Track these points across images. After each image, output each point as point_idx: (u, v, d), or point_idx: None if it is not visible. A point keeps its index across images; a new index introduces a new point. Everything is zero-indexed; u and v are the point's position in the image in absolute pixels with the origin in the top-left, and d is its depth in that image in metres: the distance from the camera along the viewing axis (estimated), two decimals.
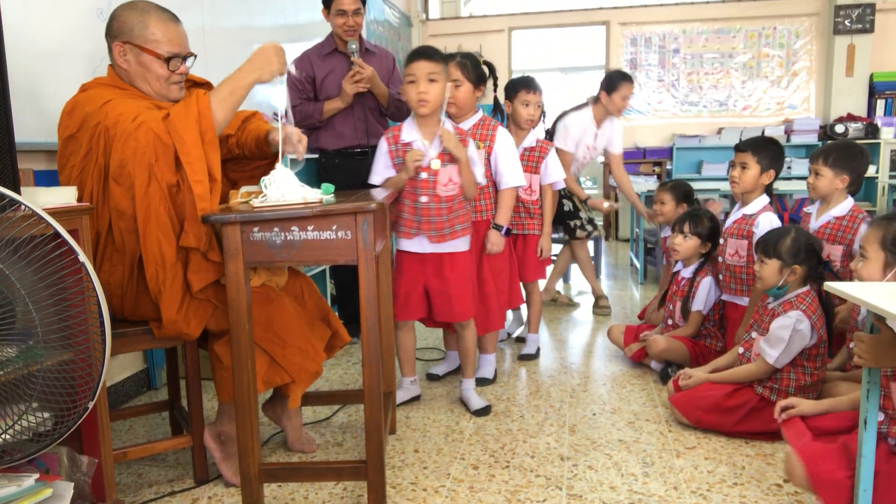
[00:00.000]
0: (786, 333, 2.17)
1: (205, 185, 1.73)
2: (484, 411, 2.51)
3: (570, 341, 3.49)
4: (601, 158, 4.53)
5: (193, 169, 1.71)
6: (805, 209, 2.86)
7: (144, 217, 1.73)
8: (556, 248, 5.22)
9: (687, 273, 2.98)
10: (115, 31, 1.88)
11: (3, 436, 1.36)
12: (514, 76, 3.26)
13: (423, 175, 2.34)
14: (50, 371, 1.37)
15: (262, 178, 1.81)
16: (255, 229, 1.68)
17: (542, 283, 3.53)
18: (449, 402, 2.65)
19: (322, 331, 2.15)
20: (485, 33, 6.92)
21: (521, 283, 3.12)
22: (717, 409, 2.27)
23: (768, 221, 2.61)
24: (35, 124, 2.11)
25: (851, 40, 6.26)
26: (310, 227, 1.68)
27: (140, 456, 1.93)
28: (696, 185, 4.28)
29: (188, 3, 2.98)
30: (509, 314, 3.46)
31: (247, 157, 2.11)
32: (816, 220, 2.70)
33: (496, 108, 3.08)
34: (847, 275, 2.57)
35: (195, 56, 1.98)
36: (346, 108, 3.23)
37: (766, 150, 2.67)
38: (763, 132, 6.31)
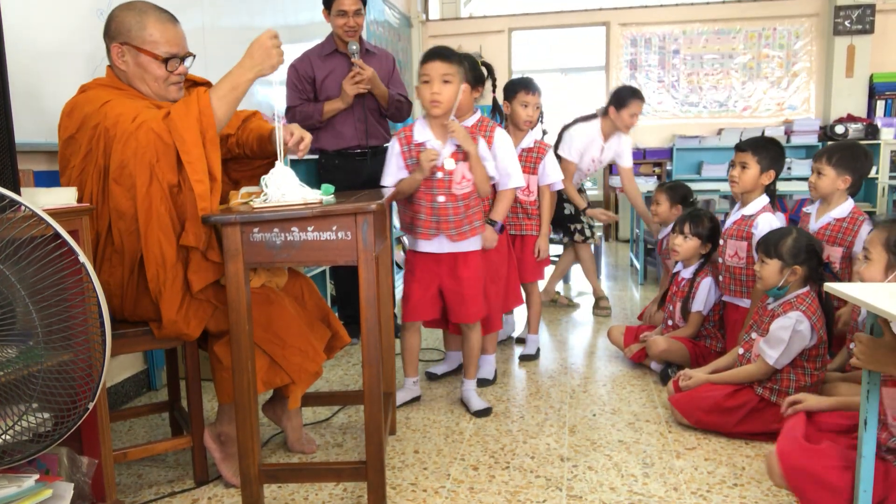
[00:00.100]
0: (786, 334, 2.17)
1: (205, 185, 1.72)
2: (484, 412, 2.51)
3: (570, 342, 3.49)
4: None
5: (194, 168, 1.71)
6: (804, 209, 2.85)
7: (146, 217, 1.73)
8: (555, 249, 5.24)
9: (687, 274, 2.98)
10: (112, 31, 1.88)
11: (3, 436, 1.36)
12: (514, 77, 3.26)
13: (439, 175, 2.35)
14: (50, 371, 1.37)
15: (263, 176, 1.80)
16: (255, 230, 1.68)
17: (541, 284, 3.53)
18: (449, 402, 2.65)
19: (322, 331, 2.15)
20: (485, 34, 6.93)
21: (520, 284, 3.13)
22: (717, 410, 2.27)
23: (767, 222, 2.61)
24: (35, 125, 2.11)
25: (851, 41, 6.26)
26: (310, 228, 1.68)
27: (140, 456, 1.93)
28: (695, 186, 4.28)
29: (188, 3, 2.98)
30: (510, 318, 3.46)
31: (248, 156, 2.11)
32: (816, 221, 2.70)
33: (495, 109, 3.08)
34: (846, 276, 2.57)
35: (194, 56, 1.98)
36: (346, 108, 3.23)
37: (767, 151, 2.67)
38: (763, 133, 6.31)
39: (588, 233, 3.96)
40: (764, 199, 2.70)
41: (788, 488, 1.70)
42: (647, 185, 5.60)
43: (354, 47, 3.13)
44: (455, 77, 2.28)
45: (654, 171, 6.67)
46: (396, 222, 4.64)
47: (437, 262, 2.44)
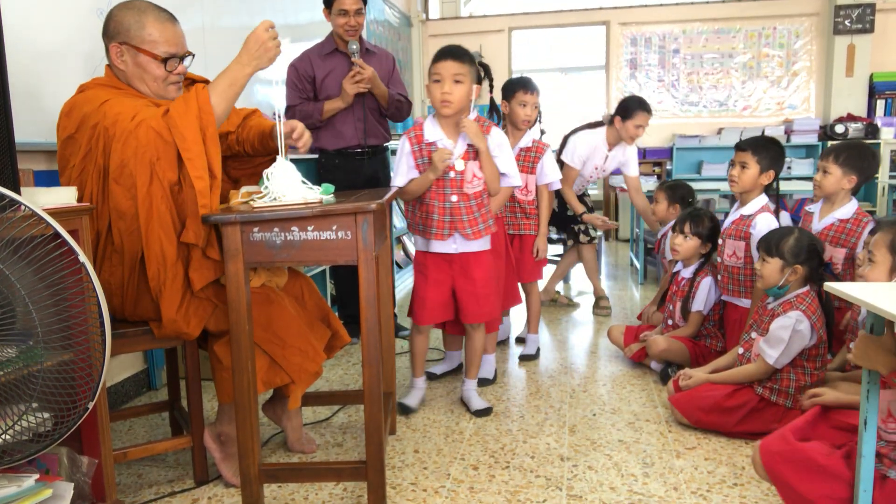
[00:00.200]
0: (785, 334, 2.17)
1: (205, 181, 1.72)
2: (485, 412, 2.51)
3: (570, 342, 3.49)
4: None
5: (194, 164, 1.70)
6: (806, 208, 2.83)
7: (146, 216, 1.72)
8: (554, 249, 5.24)
9: (687, 273, 2.98)
10: (111, 31, 1.87)
11: (3, 436, 1.36)
12: (514, 76, 3.26)
13: (451, 174, 2.34)
14: (50, 371, 1.37)
15: (265, 170, 1.81)
16: (255, 229, 1.68)
17: (541, 284, 3.53)
18: (449, 402, 2.65)
19: (322, 331, 2.14)
20: (485, 33, 6.92)
21: (518, 284, 3.13)
22: (717, 410, 2.27)
23: (766, 222, 2.61)
24: (35, 124, 2.11)
25: (851, 40, 6.26)
26: (310, 228, 1.68)
27: (140, 456, 1.93)
28: (696, 186, 4.27)
29: (188, 3, 2.98)
30: (506, 319, 3.46)
31: (248, 153, 2.10)
32: (820, 221, 2.68)
33: (492, 109, 3.08)
34: (849, 278, 2.57)
35: (193, 55, 1.97)
36: (346, 108, 3.23)
37: (767, 151, 2.66)
38: (763, 132, 6.30)
39: (592, 233, 3.96)
40: (763, 199, 2.70)
41: (768, 479, 1.71)
42: (647, 184, 5.60)
43: (355, 47, 3.13)
44: (467, 77, 2.26)
45: (654, 171, 6.67)
46: (396, 222, 4.65)
47: (450, 262, 2.42)
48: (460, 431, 2.38)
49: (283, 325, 1.94)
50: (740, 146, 2.71)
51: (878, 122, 6.19)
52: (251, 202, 1.79)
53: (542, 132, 3.80)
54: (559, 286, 4.45)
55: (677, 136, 6.69)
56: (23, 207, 1.31)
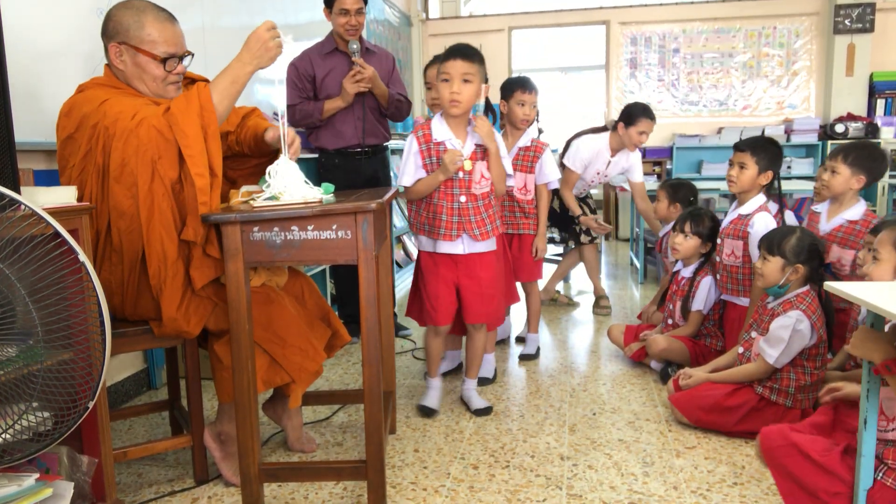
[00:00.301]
0: (786, 333, 2.17)
1: (206, 179, 1.72)
2: (485, 411, 2.51)
3: (570, 341, 3.49)
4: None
5: (195, 162, 1.70)
6: (814, 208, 2.79)
7: (147, 214, 1.72)
8: (553, 249, 5.24)
9: (687, 273, 2.99)
10: (110, 31, 1.87)
11: (3, 435, 1.36)
12: (513, 76, 3.26)
13: (459, 175, 2.32)
14: (50, 371, 1.37)
15: (269, 167, 1.81)
16: (255, 229, 1.68)
17: (540, 283, 3.53)
18: (449, 401, 2.65)
19: (322, 330, 2.14)
20: (485, 33, 6.92)
21: (518, 283, 3.12)
22: (717, 409, 2.27)
23: (763, 221, 2.61)
24: (35, 124, 2.11)
25: (851, 40, 6.26)
26: (310, 227, 1.68)
27: (140, 455, 1.93)
28: (696, 185, 4.26)
29: (188, 2, 2.98)
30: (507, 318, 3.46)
31: (246, 154, 2.11)
32: (828, 221, 2.63)
33: (488, 109, 3.09)
34: (857, 280, 2.55)
35: (192, 55, 1.97)
36: (346, 107, 3.23)
37: (765, 151, 2.66)
38: (763, 132, 6.31)
39: (593, 233, 3.96)
40: (760, 199, 2.70)
41: (767, 466, 1.72)
42: (648, 184, 5.57)
43: (355, 46, 3.13)
44: (476, 77, 2.24)
45: (654, 171, 6.68)
46: (396, 222, 4.65)
47: (456, 263, 2.40)
48: (460, 431, 2.38)
49: (283, 325, 1.94)
50: (739, 146, 2.71)
51: (878, 121, 6.19)
52: (251, 202, 1.79)
53: (540, 131, 3.80)
54: (559, 285, 4.45)
55: (677, 135, 6.69)
56: (23, 207, 1.31)
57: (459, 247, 2.38)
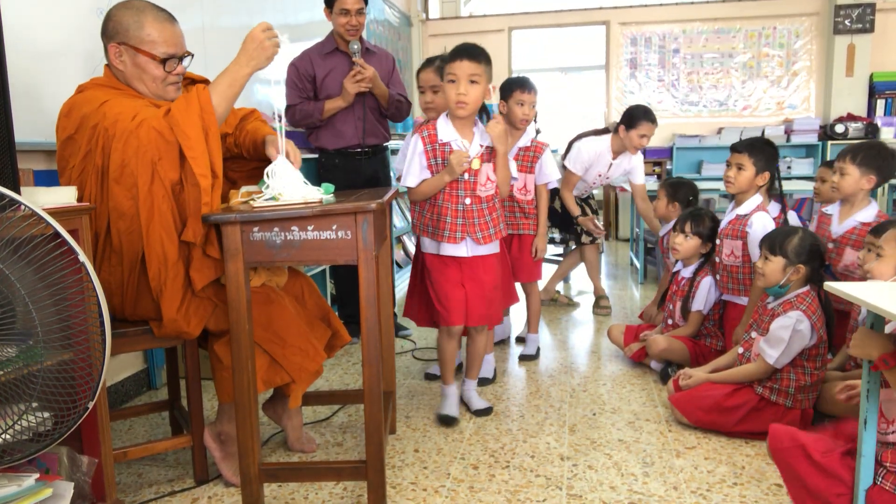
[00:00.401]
0: (786, 334, 2.17)
1: (209, 180, 1.72)
2: (485, 412, 2.51)
3: (570, 341, 3.49)
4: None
5: (198, 163, 1.70)
6: (823, 209, 2.75)
7: (147, 215, 1.72)
8: (553, 249, 5.24)
9: (687, 273, 2.99)
10: (110, 31, 1.87)
11: (3, 436, 1.36)
12: (514, 76, 3.26)
13: (465, 176, 2.30)
14: (50, 371, 1.37)
15: (267, 168, 1.80)
16: (255, 229, 1.68)
17: (540, 284, 3.53)
18: None
19: (322, 330, 2.15)
20: (485, 33, 6.92)
21: (517, 283, 3.12)
22: (717, 409, 2.27)
23: (761, 221, 2.61)
24: (35, 124, 2.11)
25: (851, 40, 6.26)
26: (310, 227, 1.68)
27: (140, 456, 1.93)
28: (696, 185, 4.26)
29: (188, 2, 2.98)
30: (506, 319, 3.46)
31: (244, 157, 2.11)
32: (840, 224, 2.59)
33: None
34: None
35: (192, 55, 1.97)
36: (346, 107, 3.23)
37: (762, 152, 2.66)
38: (763, 132, 6.31)
39: (592, 234, 3.96)
40: (758, 199, 2.70)
41: (775, 462, 1.73)
42: (648, 184, 5.57)
43: (356, 46, 3.13)
44: (482, 77, 2.21)
45: (654, 171, 6.67)
46: (396, 222, 4.65)
47: (459, 265, 2.38)
48: (460, 431, 2.38)
49: (283, 325, 1.94)
50: (736, 148, 2.72)
51: (878, 121, 6.19)
52: (251, 202, 1.79)
53: (538, 131, 3.80)
54: (559, 286, 4.45)
55: (677, 135, 6.69)
56: (23, 207, 1.31)
57: (463, 249, 2.36)
